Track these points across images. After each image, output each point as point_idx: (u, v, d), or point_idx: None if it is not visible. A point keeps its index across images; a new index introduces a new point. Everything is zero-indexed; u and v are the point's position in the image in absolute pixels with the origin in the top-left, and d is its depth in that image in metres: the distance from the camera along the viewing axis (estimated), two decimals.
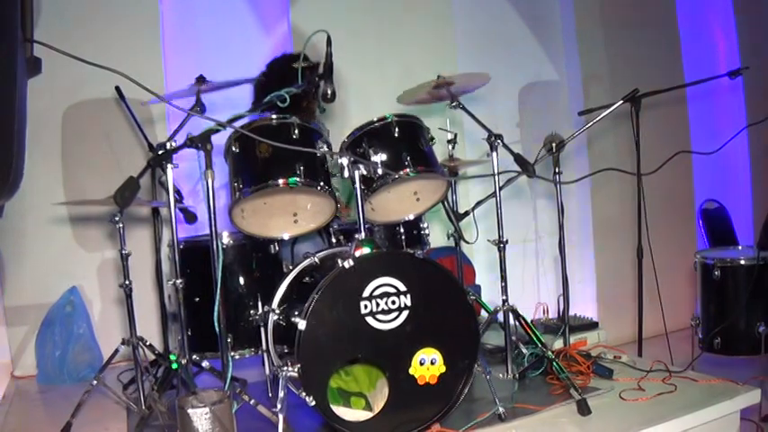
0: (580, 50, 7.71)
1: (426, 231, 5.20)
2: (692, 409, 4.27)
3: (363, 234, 4.18)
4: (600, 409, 4.33)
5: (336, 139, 4.69)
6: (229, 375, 4.01)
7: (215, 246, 4.03)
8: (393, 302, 3.92)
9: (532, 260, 7.67)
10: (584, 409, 4.27)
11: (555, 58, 7.91)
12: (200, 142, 3.99)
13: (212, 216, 4.04)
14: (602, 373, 4.89)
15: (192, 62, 5.39)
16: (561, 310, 5.45)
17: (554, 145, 5.15)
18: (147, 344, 4.84)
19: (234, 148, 4.39)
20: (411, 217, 4.96)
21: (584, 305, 7.41)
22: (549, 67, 7.91)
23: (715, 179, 8.73)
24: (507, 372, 4.91)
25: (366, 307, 3.87)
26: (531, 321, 5.19)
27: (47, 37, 3.82)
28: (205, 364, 4.61)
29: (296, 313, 3.94)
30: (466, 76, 5.14)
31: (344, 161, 4.21)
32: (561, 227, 5.25)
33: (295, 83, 4.36)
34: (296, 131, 4.33)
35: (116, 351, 4.86)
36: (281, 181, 4.23)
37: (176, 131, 4.41)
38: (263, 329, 4.48)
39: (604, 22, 7.81)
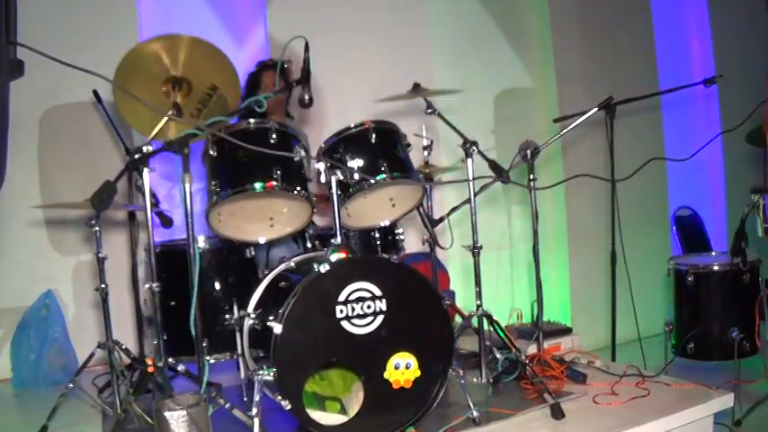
0: (555, 58, 7.74)
1: (401, 237, 5.23)
2: (666, 413, 4.29)
3: (339, 239, 4.20)
4: (573, 413, 4.35)
5: (314, 145, 4.71)
6: (205, 379, 4.03)
7: (192, 250, 4.04)
8: (368, 307, 3.94)
9: (507, 266, 7.70)
10: (557, 413, 4.29)
11: (530, 65, 7.94)
12: (178, 146, 4.00)
13: (189, 220, 4.05)
14: (575, 377, 4.92)
15: None
16: (535, 315, 5.48)
17: (529, 152, 5.18)
18: (123, 347, 4.84)
19: (211, 152, 4.38)
20: (386, 222, 4.98)
21: (558, 311, 7.45)
22: (525, 74, 7.94)
23: (689, 186, 8.79)
24: (481, 376, 4.93)
25: (341, 311, 3.89)
26: (506, 326, 5.21)
27: (23, 40, 3.83)
28: (181, 367, 4.61)
29: (271, 317, 3.96)
30: (440, 91, 5.17)
31: (321, 166, 4.24)
32: (535, 233, 5.28)
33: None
34: (273, 136, 4.34)
35: (92, 355, 4.84)
36: (258, 185, 4.24)
37: (154, 135, 4.42)
38: (238, 334, 4.50)
39: (580, 29, 7.85)
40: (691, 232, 8.62)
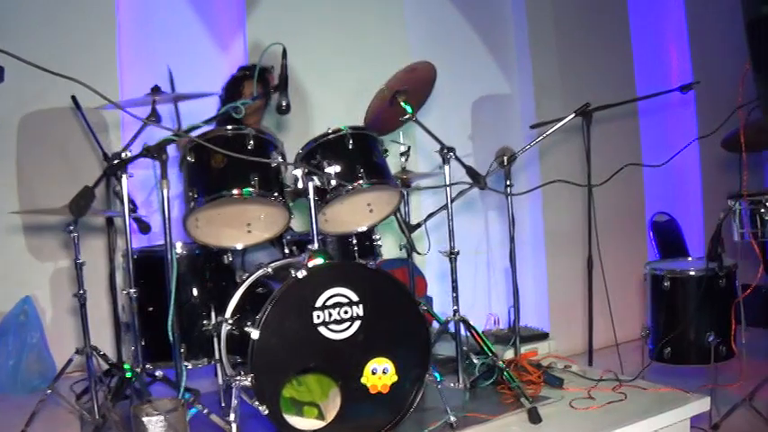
0: (533, 64, 7.76)
1: (379, 243, 5.22)
2: (642, 416, 4.34)
3: (316, 245, 4.21)
4: (550, 417, 4.39)
5: (291, 151, 4.72)
6: (183, 384, 4.03)
7: (169, 256, 4.06)
8: (345, 312, 3.96)
9: (484, 271, 7.71)
10: (534, 417, 4.32)
11: (508, 72, 7.96)
12: (156, 152, 4.02)
13: (167, 226, 4.06)
14: (552, 382, 4.95)
15: (148, 75, 5.40)
16: (512, 320, 5.50)
17: (506, 158, 5.21)
18: (101, 353, 4.84)
19: (189, 158, 4.39)
20: (364, 228, 4.98)
21: (535, 316, 7.47)
22: (502, 81, 7.96)
23: (667, 192, 8.82)
24: (459, 381, 4.95)
25: (319, 317, 3.91)
26: (483, 332, 5.23)
27: (2, 46, 3.83)
28: (158, 373, 4.61)
29: (249, 323, 3.98)
30: (408, 67, 5.15)
31: (299, 172, 4.26)
32: (512, 238, 5.30)
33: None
34: (251, 142, 4.35)
35: (70, 360, 4.85)
36: (235, 191, 4.24)
37: (132, 141, 4.43)
38: (216, 339, 4.50)
39: (557, 36, 7.87)
40: (668, 238, 8.65)
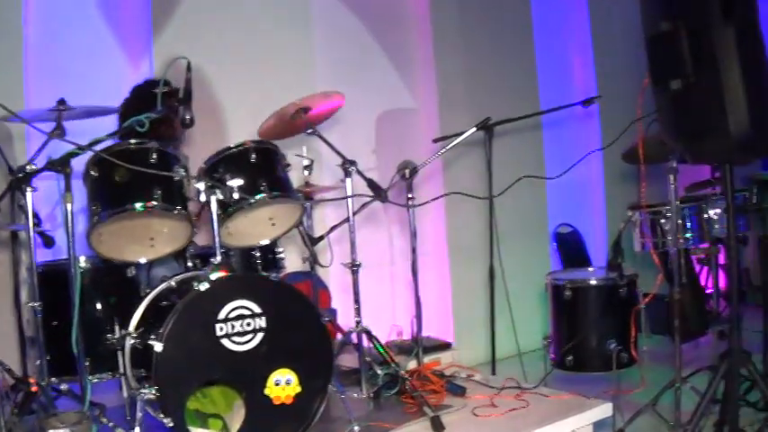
0: (437, 78, 7.80)
1: (282, 255, 5.29)
2: (545, 423, 4.44)
3: (219, 258, 4.25)
4: (453, 425, 4.47)
5: (195, 165, 4.74)
6: (88, 398, 4.04)
7: (73, 270, 4.06)
8: (248, 324, 4.00)
9: (388, 283, 7.73)
10: (437, 425, 4.40)
11: (412, 86, 7.98)
12: (60, 165, 4.02)
13: (71, 239, 4.06)
14: (455, 390, 5.03)
15: (55, 89, 5.35)
16: (415, 331, 5.57)
17: (407, 171, 5.28)
18: (7, 368, 4.81)
19: (92, 172, 4.39)
20: (267, 241, 5.04)
21: (438, 326, 7.52)
22: (406, 95, 7.96)
23: (571, 204, 8.92)
24: (362, 392, 5.01)
25: (222, 329, 3.94)
26: (386, 343, 5.31)
27: None
28: (63, 387, 4.59)
29: (152, 336, 3.98)
30: (320, 95, 5.23)
31: (201, 185, 4.29)
32: (414, 250, 5.37)
33: (155, 108, 4.39)
34: (154, 156, 4.36)
35: None
36: (138, 205, 4.26)
37: (36, 154, 4.41)
38: (120, 353, 4.50)
39: (462, 50, 7.92)
40: (571, 249, 8.74)
